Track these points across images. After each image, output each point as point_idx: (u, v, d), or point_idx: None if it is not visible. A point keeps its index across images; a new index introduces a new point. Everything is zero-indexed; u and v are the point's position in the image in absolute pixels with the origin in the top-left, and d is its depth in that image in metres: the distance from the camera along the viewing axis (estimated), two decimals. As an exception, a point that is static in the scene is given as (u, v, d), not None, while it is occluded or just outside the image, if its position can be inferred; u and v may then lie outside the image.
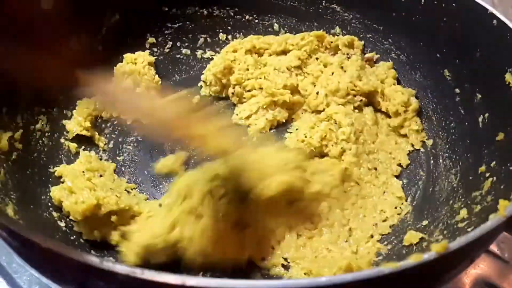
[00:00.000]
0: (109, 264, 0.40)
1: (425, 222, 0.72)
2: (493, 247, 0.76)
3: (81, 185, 0.72)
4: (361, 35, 0.96)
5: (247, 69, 0.92)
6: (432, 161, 0.82)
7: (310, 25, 1.00)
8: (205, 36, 1.02)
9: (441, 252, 0.40)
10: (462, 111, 0.80)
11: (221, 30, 1.02)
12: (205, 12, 1.01)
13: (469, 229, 0.56)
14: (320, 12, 0.99)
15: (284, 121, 0.90)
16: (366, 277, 0.38)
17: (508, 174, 0.62)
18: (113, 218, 0.69)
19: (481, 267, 0.74)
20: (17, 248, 0.52)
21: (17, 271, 0.71)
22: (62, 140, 0.83)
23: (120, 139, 0.87)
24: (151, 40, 0.98)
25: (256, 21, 1.02)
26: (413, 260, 0.39)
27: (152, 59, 0.95)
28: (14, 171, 0.70)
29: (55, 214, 0.71)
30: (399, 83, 0.92)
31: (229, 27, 1.02)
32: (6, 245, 0.52)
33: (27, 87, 0.74)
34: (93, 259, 0.41)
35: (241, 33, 1.02)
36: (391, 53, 0.93)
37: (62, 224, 0.71)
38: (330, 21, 0.99)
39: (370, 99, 0.89)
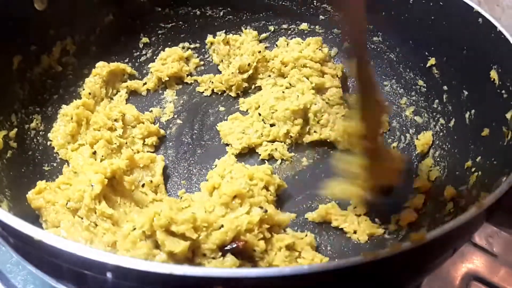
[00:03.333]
0: (98, 254, 0.41)
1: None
2: (482, 242, 0.78)
3: (77, 234, 0.64)
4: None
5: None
6: (420, 156, 0.83)
7: (302, 25, 1.02)
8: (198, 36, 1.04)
9: (419, 242, 0.41)
10: (450, 108, 0.81)
11: (213, 30, 1.03)
12: (198, 12, 1.02)
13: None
14: (311, 12, 1.01)
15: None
16: (346, 265, 0.39)
17: (492, 168, 0.63)
18: None
19: (470, 262, 0.76)
20: (14, 244, 0.52)
21: (11, 271, 0.71)
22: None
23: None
24: (145, 40, 1.00)
25: (249, 21, 1.03)
26: (391, 249, 0.40)
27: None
28: (8, 169, 0.71)
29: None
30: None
31: (221, 27, 1.04)
32: (2, 244, 0.52)
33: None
34: (86, 250, 0.42)
35: (234, 33, 1.03)
36: (381, 51, 0.95)
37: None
38: (321, 20, 1.00)
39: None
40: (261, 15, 1.03)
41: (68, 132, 0.83)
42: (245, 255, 0.63)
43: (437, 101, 0.84)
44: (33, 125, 0.81)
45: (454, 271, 0.75)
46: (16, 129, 0.76)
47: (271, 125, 0.89)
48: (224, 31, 1.03)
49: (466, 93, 0.77)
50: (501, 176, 0.56)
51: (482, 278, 0.74)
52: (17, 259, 0.56)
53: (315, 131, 0.88)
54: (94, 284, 0.47)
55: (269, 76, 0.99)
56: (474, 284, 0.74)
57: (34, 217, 0.69)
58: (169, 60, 0.99)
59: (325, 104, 0.90)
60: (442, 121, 0.82)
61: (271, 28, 1.04)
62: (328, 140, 0.87)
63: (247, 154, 0.87)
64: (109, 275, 0.43)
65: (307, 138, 0.88)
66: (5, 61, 0.76)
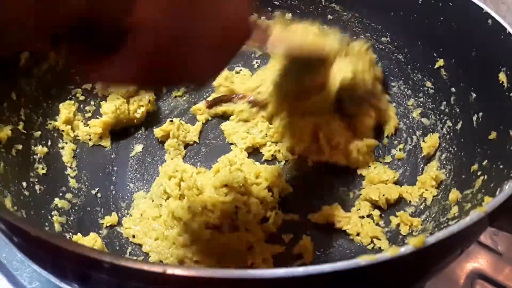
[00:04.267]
0: (95, 253, 0.41)
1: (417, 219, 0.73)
2: (487, 240, 0.77)
3: None
4: (360, 34, 0.97)
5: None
6: (426, 159, 0.82)
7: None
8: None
9: (418, 246, 0.41)
10: (457, 110, 0.80)
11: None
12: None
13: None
14: (319, 11, 1.00)
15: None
16: (343, 269, 0.39)
17: (498, 173, 0.62)
18: None
19: (474, 260, 0.75)
20: (17, 243, 0.52)
21: (17, 268, 0.72)
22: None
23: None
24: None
25: (256, 19, 1.03)
26: (389, 253, 0.40)
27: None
28: (14, 163, 0.71)
29: (53, 211, 0.73)
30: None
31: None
32: (6, 242, 0.52)
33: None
34: (85, 249, 0.42)
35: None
36: (389, 52, 0.94)
37: (63, 218, 0.73)
38: (329, 20, 1.00)
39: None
40: (268, 13, 1.02)
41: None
42: None
43: (444, 103, 0.83)
44: (39, 120, 0.81)
45: (458, 270, 0.74)
46: (23, 124, 0.77)
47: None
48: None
49: (474, 95, 0.76)
50: (507, 181, 0.55)
51: (487, 276, 0.74)
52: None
53: (323, 151, 0.83)
54: (98, 283, 0.47)
55: None
56: (479, 282, 0.73)
57: (38, 214, 0.70)
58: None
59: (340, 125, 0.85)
60: (449, 123, 0.81)
61: (279, 27, 1.03)
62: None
63: (251, 154, 0.86)
64: (110, 274, 0.43)
65: (313, 157, 0.84)
66: (12, 58, 0.77)
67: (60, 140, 0.84)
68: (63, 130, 0.84)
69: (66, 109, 0.86)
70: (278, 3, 1.01)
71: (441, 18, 0.82)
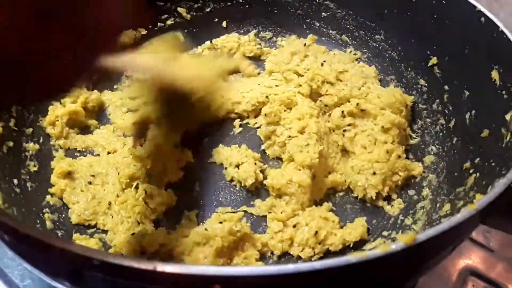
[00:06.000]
0: (85, 250, 0.41)
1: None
2: (479, 237, 0.77)
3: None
4: (354, 32, 0.97)
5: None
6: (419, 156, 0.82)
7: (303, 22, 1.01)
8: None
9: (409, 243, 0.41)
10: (450, 108, 0.80)
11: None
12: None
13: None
14: (313, 9, 1.00)
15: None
16: (334, 266, 0.39)
17: (490, 170, 0.62)
18: None
19: (467, 257, 0.75)
20: (7, 241, 0.52)
21: (8, 265, 0.71)
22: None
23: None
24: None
25: (250, 15, 1.03)
26: (380, 250, 0.40)
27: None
28: (5, 161, 0.71)
29: (45, 209, 0.73)
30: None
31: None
32: None
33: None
34: (74, 246, 0.42)
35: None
36: (383, 49, 0.94)
37: (54, 216, 0.72)
38: (323, 17, 1.00)
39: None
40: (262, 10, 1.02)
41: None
42: None
43: (438, 100, 0.83)
44: (31, 117, 0.81)
45: (451, 267, 0.74)
46: (14, 120, 0.76)
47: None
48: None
49: (467, 93, 0.76)
50: (498, 178, 0.56)
51: (479, 273, 0.74)
52: (14, 255, 0.55)
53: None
54: (89, 281, 0.47)
55: None
56: (471, 279, 0.73)
57: (29, 212, 0.69)
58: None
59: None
60: (442, 121, 0.81)
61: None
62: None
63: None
64: (100, 271, 0.43)
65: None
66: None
67: (52, 137, 0.83)
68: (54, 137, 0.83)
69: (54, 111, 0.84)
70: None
71: (435, 16, 0.82)
